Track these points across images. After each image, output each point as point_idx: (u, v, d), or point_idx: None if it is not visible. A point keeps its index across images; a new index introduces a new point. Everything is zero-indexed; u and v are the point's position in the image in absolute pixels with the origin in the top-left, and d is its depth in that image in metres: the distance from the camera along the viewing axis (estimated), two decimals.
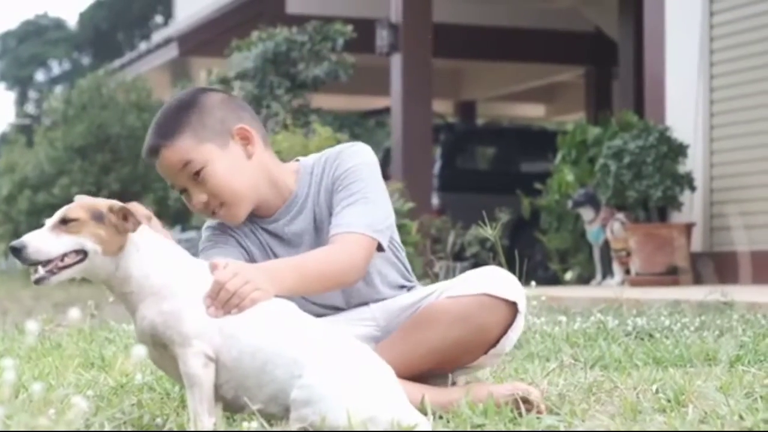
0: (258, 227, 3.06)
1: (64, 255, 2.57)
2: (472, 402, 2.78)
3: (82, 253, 2.58)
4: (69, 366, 3.91)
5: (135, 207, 2.60)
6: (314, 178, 3.04)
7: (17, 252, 2.54)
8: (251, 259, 3.03)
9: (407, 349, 2.89)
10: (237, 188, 2.95)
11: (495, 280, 2.95)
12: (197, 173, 2.91)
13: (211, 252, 3.01)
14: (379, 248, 2.94)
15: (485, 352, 2.98)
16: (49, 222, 2.59)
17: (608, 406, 2.97)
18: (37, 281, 2.55)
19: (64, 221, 2.57)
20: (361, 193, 2.94)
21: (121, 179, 17.91)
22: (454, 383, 3.00)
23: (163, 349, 2.60)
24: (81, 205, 2.61)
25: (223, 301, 2.55)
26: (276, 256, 3.02)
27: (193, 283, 2.60)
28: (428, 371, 2.96)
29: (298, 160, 3.13)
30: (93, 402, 2.97)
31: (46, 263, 2.56)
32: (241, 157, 2.97)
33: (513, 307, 2.94)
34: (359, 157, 3.01)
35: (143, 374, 3.48)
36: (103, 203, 2.62)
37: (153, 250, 2.63)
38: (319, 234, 3.02)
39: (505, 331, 2.96)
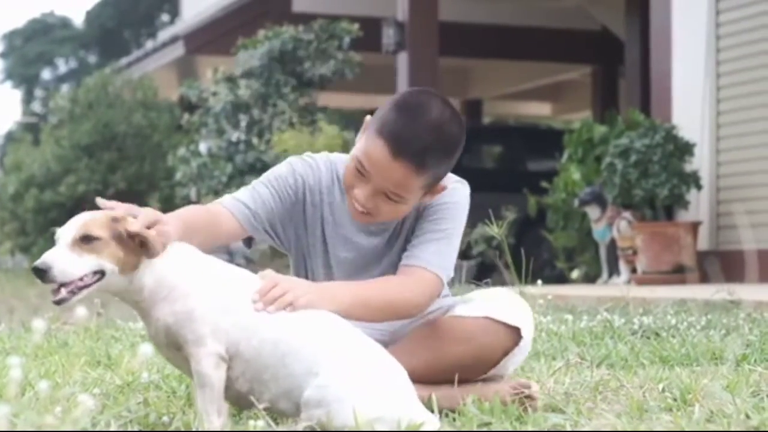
0: (343, 202, 2.99)
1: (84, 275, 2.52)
2: (479, 400, 2.78)
3: (101, 273, 2.54)
4: (75, 364, 3.91)
5: (150, 235, 2.52)
6: None
7: (41, 273, 2.47)
8: (302, 227, 2.99)
9: (408, 362, 2.84)
10: (396, 219, 2.95)
11: (500, 304, 2.97)
12: (393, 199, 2.87)
13: (259, 191, 2.92)
14: None
15: (485, 373, 2.98)
16: (67, 237, 2.51)
17: (614, 404, 2.97)
18: (59, 302, 2.49)
19: (86, 239, 2.51)
20: (447, 232, 2.95)
21: (128, 178, 17.94)
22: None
23: (176, 350, 2.60)
24: (100, 221, 2.53)
25: (275, 297, 2.56)
26: (335, 236, 3.00)
27: (204, 282, 2.59)
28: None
29: None
30: (99, 400, 2.98)
31: (67, 284, 2.50)
32: (419, 198, 2.92)
33: (516, 331, 2.95)
34: (458, 196, 3.00)
35: (149, 372, 3.48)
36: (120, 224, 2.54)
37: (166, 259, 2.58)
38: (387, 245, 3.01)
39: (506, 354, 2.96)
